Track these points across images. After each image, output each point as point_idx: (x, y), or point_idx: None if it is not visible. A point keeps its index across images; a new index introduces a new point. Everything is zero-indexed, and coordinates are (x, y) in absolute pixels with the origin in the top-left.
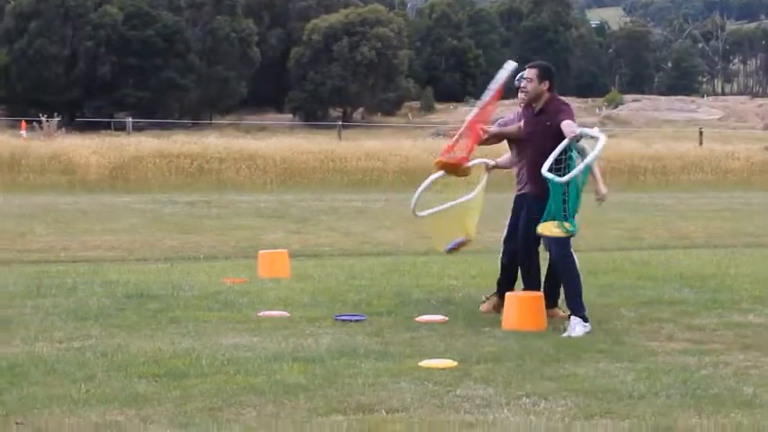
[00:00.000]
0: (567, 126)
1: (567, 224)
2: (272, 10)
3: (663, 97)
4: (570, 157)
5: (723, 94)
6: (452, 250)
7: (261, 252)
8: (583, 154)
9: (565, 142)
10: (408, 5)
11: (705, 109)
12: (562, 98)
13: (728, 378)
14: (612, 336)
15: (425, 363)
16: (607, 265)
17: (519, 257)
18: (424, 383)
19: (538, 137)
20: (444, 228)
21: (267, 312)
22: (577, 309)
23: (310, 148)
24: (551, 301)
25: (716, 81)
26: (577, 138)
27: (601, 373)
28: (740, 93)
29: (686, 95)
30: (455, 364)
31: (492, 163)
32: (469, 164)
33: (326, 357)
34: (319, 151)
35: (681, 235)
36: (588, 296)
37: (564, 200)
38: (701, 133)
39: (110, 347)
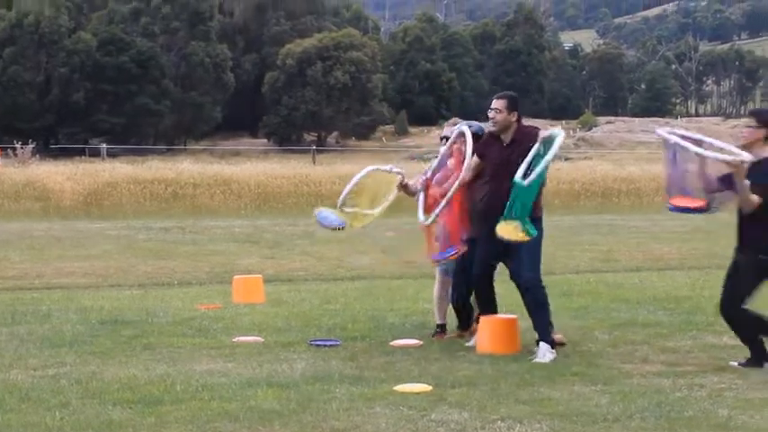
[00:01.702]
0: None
1: (528, 227)
2: (246, 35)
3: (636, 119)
4: (537, 163)
5: (697, 115)
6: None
7: (235, 277)
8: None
9: (536, 146)
10: (382, 29)
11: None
12: (528, 123)
13: (703, 400)
14: (587, 358)
15: (400, 387)
16: (581, 288)
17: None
18: (398, 408)
19: (513, 167)
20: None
21: (241, 338)
22: (547, 335)
23: (285, 172)
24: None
25: (689, 102)
26: (545, 142)
27: (575, 396)
28: (714, 114)
29: (660, 117)
30: (430, 388)
31: (403, 181)
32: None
33: (301, 383)
34: (294, 176)
35: (655, 257)
36: (563, 319)
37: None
38: None
39: (84, 374)
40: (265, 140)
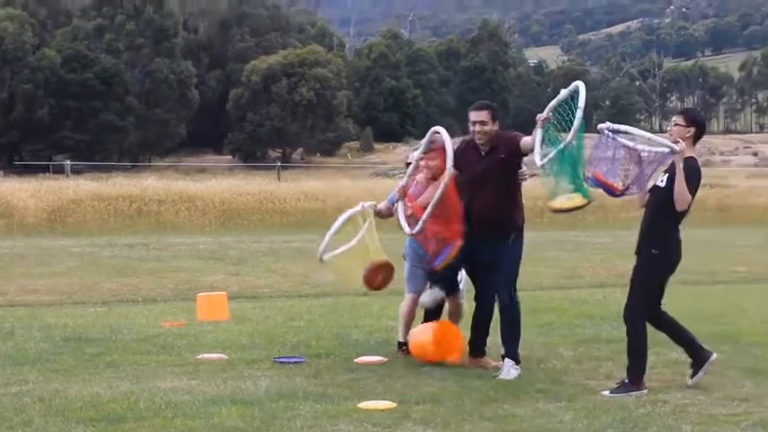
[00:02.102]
0: (530, 137)
1: (582, 190)
2: (210, 52)
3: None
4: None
5: (661, 131)
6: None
7: (199, 295)
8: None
9: (538, 131)
10: (347, 46)
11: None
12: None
13: (666, 416)
14: (551, 375)
15: (364, 404)
16: (546, 305)
17: (488, 304)
18: (362, 425)
19: (495, 174)
20: (353, 266)
21: (205, 355)
22: (515, 353)
23: (249, 189)
24: (481, 351)
25: (654, 119)
26: (548, 119)
27: (539, 413)
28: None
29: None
30: (394, 405)
31: (375, 207)
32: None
33: (265, 400)
34: (258, 192)
35: (619, 273)
36: (528, 335)
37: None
38: None
39: (47, 392)
40: (230, 157)
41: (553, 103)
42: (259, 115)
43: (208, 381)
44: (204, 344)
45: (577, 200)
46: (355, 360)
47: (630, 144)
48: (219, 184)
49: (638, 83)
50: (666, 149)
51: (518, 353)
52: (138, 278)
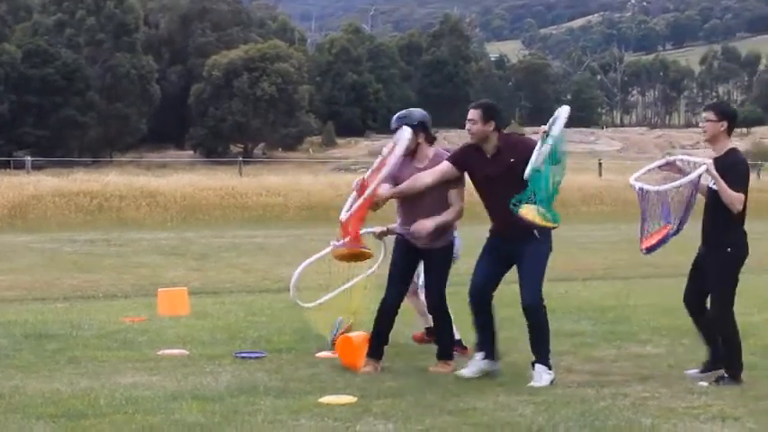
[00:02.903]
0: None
1: (550, 214)
2: (171, 47)
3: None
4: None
5: (622, 125)
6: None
7: (160, 290)
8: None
9: (539, 143)
10: (308, 41)
11: (604, 140)
12: (513, 133)
13: (627, 409)
14: (512, 369)
15: (325, 399)
16: (507, 299)
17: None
18: (323, 420)
19: (503, 178)
20: (328, 311)
21: (166, 351)
22: (545, 357)
23: (211, 184)
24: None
25: (615, 112)
26: (546, 133)
27: (500, 407)
28: (639, 124)
29: (585, 127)
30: (355, 399)
31: (380, 230)
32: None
33: (226, 395)
34: (220, 187)
35: (580, 267)
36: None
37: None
38: (600, 165)
39: (7, 389)
40: (192, 152)
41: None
42: (221, 110)
43: (168, 376)
44: (165, 339)
45: (539, 220)
46: (316, 355)
47: (662, 188)
48: (181, 179)
49: (599, 77)
50: (698, 173)
51: (549, 358)
52: (99, 274)
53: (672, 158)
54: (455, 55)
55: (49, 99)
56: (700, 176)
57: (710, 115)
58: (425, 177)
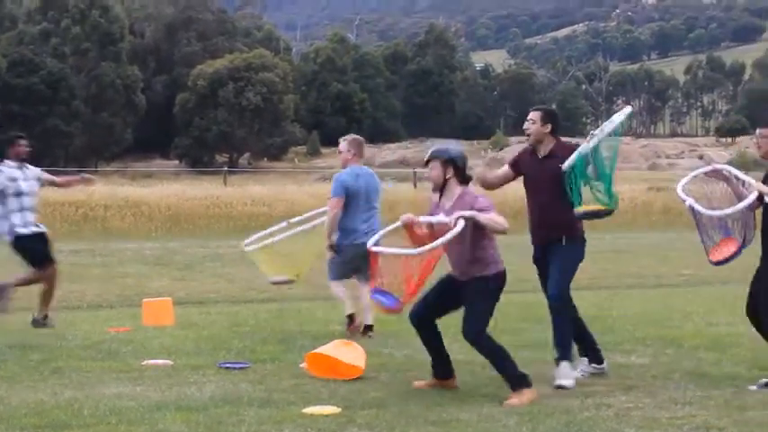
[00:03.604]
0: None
1: (598, 204)
2: (157, 56)
3: None
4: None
5: None
6: (277, 283)
7: (145, 300)
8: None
9: (583, 146)
10: (293, 50)
11: None
12: (570, 143)
13: (610, 420)
14: (496, 379)
15: (309, 409)
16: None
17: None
18: (307, 430)
19: (548, 182)
20: (276, 261)
21: (150, 361)
22: (567, 353)
23: (196, 194)
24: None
25: (600, 122)
26: (594, 136)
27: (484, 418)
28: (624, 133)
29: (571, 137)
30: (339, 410)
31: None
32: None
33: (210, 405)
34: (205, 197)
35: None
36: None
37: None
38: None
39: None
40: (177, 162)
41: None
42: (206, 120)
43: (152, 387)
44: (149, 350)
45: (599, 205)
46: (301, 365)
47: (715, 214)
48: (166, 189)
49: (584, 86)
50: (751, 199)
51: (570, 353)
52: (84, 284)
53: (719, 167)
54: (440, 64)
55: (34, 108)
56: (753, 201)
57: (766, 132)
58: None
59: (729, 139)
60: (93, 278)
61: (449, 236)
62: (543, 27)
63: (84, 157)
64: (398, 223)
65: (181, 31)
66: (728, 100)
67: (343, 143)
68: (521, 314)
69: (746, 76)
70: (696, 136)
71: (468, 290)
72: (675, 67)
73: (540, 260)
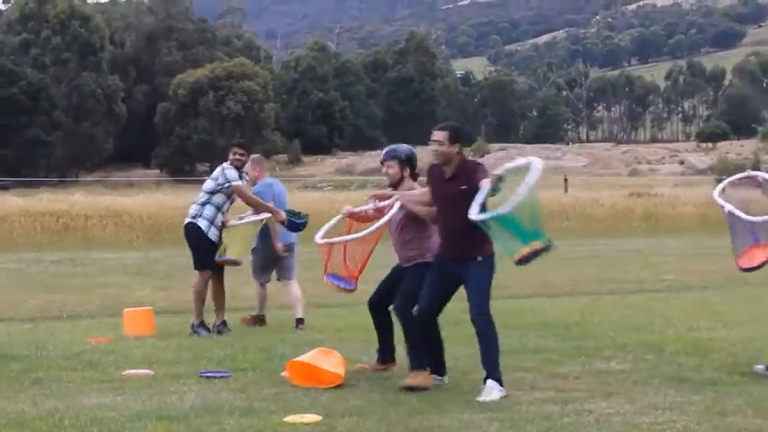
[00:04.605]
0: (486, 183)
1: (535, 242)
2: (137, 66)
3: (528, 145)
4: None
5: (588, 141)
6: (221, 262)
7: (126, 310)
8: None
9: (487, 187)
10: (274, 59)
11: (570, 156)
12: (472, 159)
13: (591, 426)
14: (477, 386)
15: (290, 418)
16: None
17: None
18: None
19: (456, 202)
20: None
21: (131, 371)
22: (495, 372)
23: (177, 203)
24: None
25: (581, 128)
26: (500, 178)
27: (465, 425)
28: (605, 140)
29: (551, 143)
30: (320, 418)
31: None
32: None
33: (191, 415)
34: (186, 206)
35: (546, 283)
36: (453, 346)
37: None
38: (566, 181)
39: None
40: (158, 171)
41: (510, 165)
42: (187, 129)
43: (133, 396)
44: (130, 359)
45: (536, 244)
46: (282, 374)
47: (755, 220)
48: (147, 198)
49: (564, 93)
50: None
51: (499, 372)
52: (65, 294)
53: (753, 173)
54: (421, 72)
55: (15, 119)
56: None
57: None
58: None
59: (710, 145)
60: (74, 288)
61: (388, 216)
62: (523, 34)
63: (66, 166)
64: (340, 216)
65: (161, 41)
66: (709, 105)
67: (247, 164)
68: (501, 321)
69: (727, 82)
70: (677, 141)
71: (407, 275)
72: (656, 72)
73: (444, 271)
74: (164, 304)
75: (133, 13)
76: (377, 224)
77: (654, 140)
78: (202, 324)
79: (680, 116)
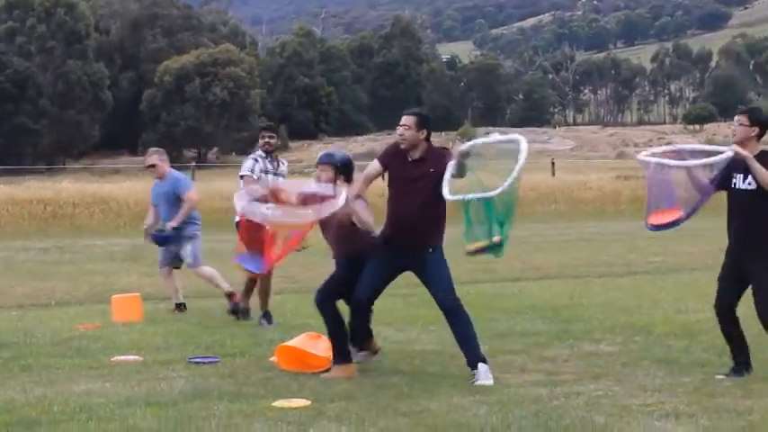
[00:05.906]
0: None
1: (495, 238)
2: (123, 53)
3: (515, 129)
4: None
5: (575, 124)
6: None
7: (114, 297)
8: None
9: (452, 163)
10: (259, 45)
11: (557, 140)
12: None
13: (580, 408)
14: (465, 370)
15: (279, 403)
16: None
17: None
18: (277, 424)
19: (419, 187)
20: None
21: (120, 357)
22: (477, 355)
23: None
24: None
25: (567, 111)
26: (466, 154)
27: (454, 408)
28: (591, 122)
29: (538, 127)
30: (308, 403)
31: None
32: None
33: (180, 401)
34: None
35: (534, 266)
36: (441, 331)
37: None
38: (552, 164)
39: None
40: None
41: (479, 141)
42: (173, 115)
43: (122, 383)
44: (119, 346)
45: (494, 240)
46: (270, 359)
47: (683, 164)
48: (134, 185)
49: (551, 76)
50: (724, 157)
51: (481, 351)
52: (53, 281)
53: (680, 146)
54: (406, 56)
55: (1, 107)
56: (727, 159)
57: (744, 120)
58: (360, 184)
59: (697, 126)
60: (62, 275)
61: (330, 207)
62: (509, 17)
63: (52, 154)
64: (264, 191)
65: (146, 28)
66: (695, 87)
67: (154, 156)
68: (489, 304)
69: (713, 64)
70: (664, 124)
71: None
72: (642, 55)
73: (388, 262)
74: (151, 290)
75: (118, 1)
76: (320, 212)
77: (641, 123)
78: (266, 314)
79: (666, 98)
